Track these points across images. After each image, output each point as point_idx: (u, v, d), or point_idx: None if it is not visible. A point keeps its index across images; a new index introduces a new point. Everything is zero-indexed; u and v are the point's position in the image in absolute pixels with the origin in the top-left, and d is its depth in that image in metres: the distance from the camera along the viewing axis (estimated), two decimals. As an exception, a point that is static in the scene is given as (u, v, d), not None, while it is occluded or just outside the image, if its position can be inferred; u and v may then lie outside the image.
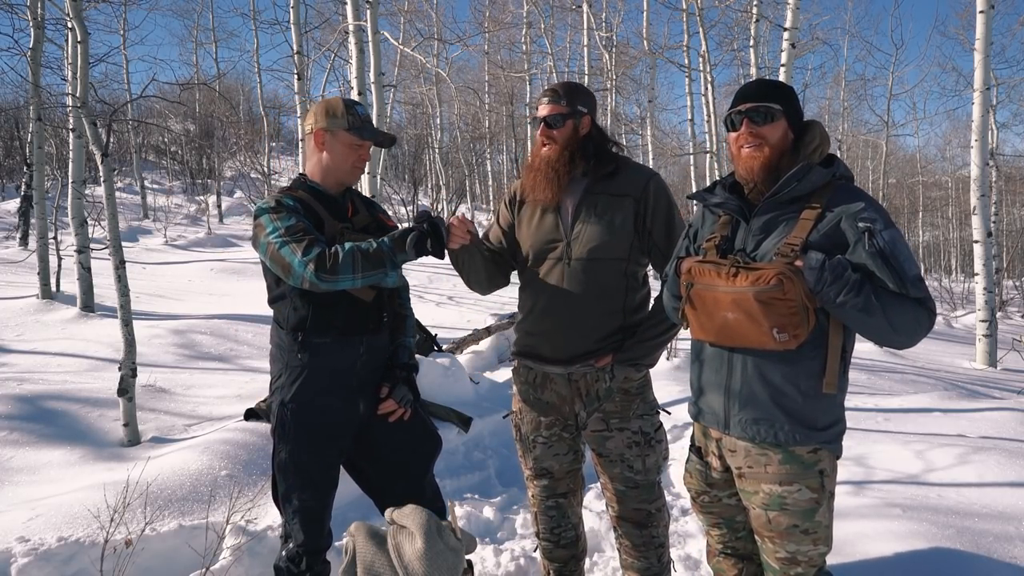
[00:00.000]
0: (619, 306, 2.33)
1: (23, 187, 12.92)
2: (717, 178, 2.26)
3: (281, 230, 2.14)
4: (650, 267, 2.43)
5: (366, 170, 5.99)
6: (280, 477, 2.32)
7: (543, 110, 2.31)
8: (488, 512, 3.62)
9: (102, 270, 7.13)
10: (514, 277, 2.56)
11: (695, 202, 2.10)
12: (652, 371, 2.42)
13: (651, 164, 15.05)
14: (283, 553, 2.38)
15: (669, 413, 2.18)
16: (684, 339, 5.84)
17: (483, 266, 2.43)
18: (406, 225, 2.25)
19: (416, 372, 2.47)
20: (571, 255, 2.30)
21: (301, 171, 2.44)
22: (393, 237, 2.16)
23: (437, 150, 21.05)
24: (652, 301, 2.39)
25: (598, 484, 2.84)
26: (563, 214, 2.34)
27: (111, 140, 4.79)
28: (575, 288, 2.29)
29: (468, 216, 2.34)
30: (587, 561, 2.86)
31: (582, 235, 2.30)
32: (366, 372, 2.33)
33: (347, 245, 2.12)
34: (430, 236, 2.16)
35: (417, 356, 5.13)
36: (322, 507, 2.35)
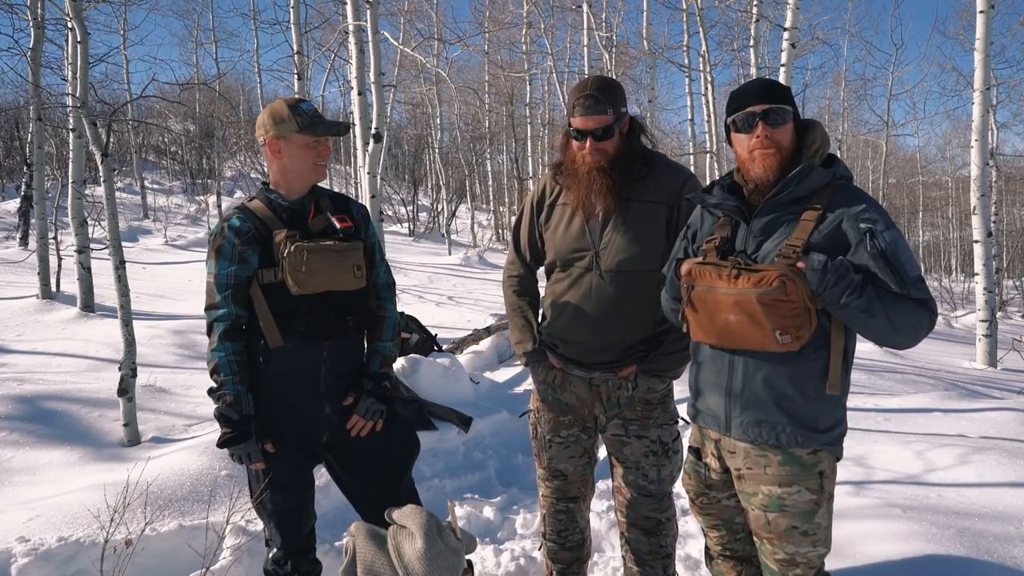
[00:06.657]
0: (648, 318, 2.25)
1: (23, 187, 12.89)
2: (717, 178, 2.23)
3: (209, 279, 2.24)
4: None
5: (366, 170, 5.99)
6: (252, 481, 2.33)
7: (589, 122, 2.12)
8: (488, 512, 3.62)
9: (102, 270, 7.12)
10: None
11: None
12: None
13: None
14: (269, 556, 2.39)
15: (688, 423, 2.14)
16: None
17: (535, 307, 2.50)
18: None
19: (390, 381, 2.41)
20: (600, 266, 2.21)
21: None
22: (220, 409, 2.19)
23: (437, 150, 21.04)
24: None
25: (599, 485, 2.83)
26: (592, 221, 2.25)
27: (111, 140, 4.78)
28: (604, 301, 2.22)
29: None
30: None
31: (612, 245, 2.21)
32: (332, 377, 2.30)
33: (220, 351, 2.20)
34: (230, 442, 2.19)
35: (417, 356, 5.19)
36: (297, 508, 2.35)
